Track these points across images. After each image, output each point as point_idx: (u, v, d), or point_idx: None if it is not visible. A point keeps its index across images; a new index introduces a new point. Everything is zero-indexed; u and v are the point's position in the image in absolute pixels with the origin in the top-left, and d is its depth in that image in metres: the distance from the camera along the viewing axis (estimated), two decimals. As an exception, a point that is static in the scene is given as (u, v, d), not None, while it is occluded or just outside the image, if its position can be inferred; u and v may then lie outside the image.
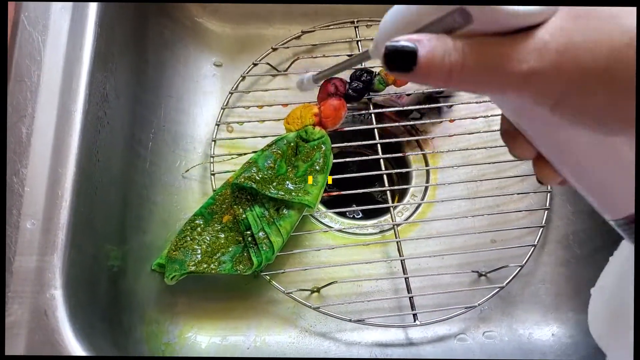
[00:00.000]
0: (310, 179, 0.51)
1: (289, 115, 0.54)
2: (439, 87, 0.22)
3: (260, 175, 0.50)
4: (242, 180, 0.49)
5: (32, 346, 0.37)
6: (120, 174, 0.49)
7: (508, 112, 0.27)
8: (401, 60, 0.22)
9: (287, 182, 0.51)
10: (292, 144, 0.52)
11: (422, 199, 0.57)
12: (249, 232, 0.49)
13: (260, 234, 0.48)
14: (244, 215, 0.49)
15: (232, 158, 0.55)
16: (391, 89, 0.57)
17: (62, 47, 0.43)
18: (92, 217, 0.43)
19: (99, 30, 0.45)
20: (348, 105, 0.55)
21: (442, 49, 0.22)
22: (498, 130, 0.57)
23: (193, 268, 0.48)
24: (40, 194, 0.39)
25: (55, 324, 0.38)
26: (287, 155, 0.52)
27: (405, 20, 0.24)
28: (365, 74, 0.55)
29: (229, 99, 0.58)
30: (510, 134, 0.28)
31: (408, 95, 0.58)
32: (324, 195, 0.52)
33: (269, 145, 0.52)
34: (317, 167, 0.51)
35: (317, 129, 0.53)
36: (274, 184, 0.50)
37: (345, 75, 0.56)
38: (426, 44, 0.22)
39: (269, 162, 0.51)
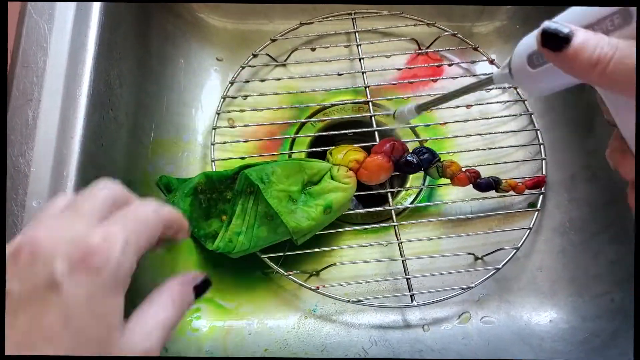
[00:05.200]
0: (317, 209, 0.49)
1: (336, 147, 0.53)
2: (577, 77, 0.25)
3: (272, 178, 0.48)
4: (254, 175, 0.48)
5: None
6: (124, 160, 0.50)
7: (629, 123, 0.27)
8: (554, 39, 0.25)
9: (293, 198, 0.49)
10: (320, 174, 0.50)
11: (422, 184, 0.58)
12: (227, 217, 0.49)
13: (236, 227, 0.48)
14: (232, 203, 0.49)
15: (232, 143, 0.56)
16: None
17: (68, 34, 0.44)
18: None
19: (104, 19, 0.46)
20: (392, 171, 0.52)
21: (595, 41, 0.24)
22: (493, 118, 0.59)
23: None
24: (45, 174, 0.40)
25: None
26: (305, 178, 0.50)
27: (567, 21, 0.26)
28: (427, 153, 0.52)
29: (229, 88, 0.59)
30: (620, 151, 0.28)
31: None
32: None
33: (299, 160, 0.51)
34: (329, 206, 0.49)
35: (350, 173, 0.51)
36: (277, 190, 0.48)
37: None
38: (581, 34, 0.25)
39: (287, 172, 0.49)
